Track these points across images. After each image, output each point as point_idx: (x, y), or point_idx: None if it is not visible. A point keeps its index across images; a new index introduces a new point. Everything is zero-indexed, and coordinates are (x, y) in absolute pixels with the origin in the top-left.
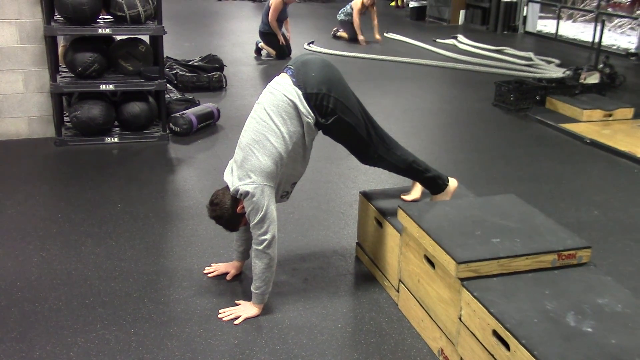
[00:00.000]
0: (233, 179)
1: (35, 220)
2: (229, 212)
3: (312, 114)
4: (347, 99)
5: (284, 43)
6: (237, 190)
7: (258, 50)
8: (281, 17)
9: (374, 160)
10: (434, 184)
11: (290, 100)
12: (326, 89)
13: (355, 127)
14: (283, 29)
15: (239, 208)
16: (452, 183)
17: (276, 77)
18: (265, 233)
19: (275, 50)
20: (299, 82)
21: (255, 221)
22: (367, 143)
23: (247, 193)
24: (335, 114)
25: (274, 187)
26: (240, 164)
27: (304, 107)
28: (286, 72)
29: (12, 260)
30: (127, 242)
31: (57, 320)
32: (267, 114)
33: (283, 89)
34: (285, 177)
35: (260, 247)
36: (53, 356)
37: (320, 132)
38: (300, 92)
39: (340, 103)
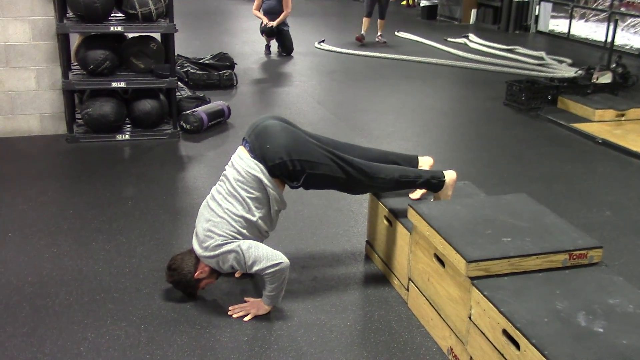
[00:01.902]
0: (199, 245)
1: (46, 217)
2: (187, 277)
3: (278, 186)
4: (310, 154)
5: (269, 24)
6: (203, 259)
7: (268, 48)
8: (265, 8)
9: (362, 191)
10: (430, 185)
11: (254, 175)
12: (286, 155)
13: (329, 175)
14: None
15: (197, 273)
16: (450, 176)
17: (238, 150)
18: (258, 263)
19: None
20: (258, 157)
21: (246, 266)
22: (348, 181)
23: (217, 256)
24: (304, 173)
25: (242, 234)
26: (205, 222)
27: (268, 180)
28: (244, 147)
29: (23, 256)
30: (137, 239)
31: (68, 315)
32: (233, 186)
33: (245, 164)
34: (253, 238)
35: (268, 273)
36: (64, 351)
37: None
38: (262, 166)
39: (305, 161)
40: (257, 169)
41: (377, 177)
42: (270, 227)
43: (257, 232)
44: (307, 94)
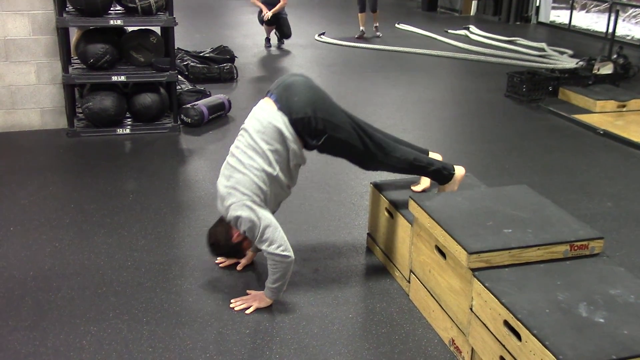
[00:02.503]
0: (221, 204)
1: (48, 211)
2: (228, 245)
3: (297, 140)
4: (334, 116)
5: (265, 14)
6: (227, 212)
7: (268, 41)
8: None
9: (374, 166)
10: (440, 176)
11: (276, 126)
12: (311, 111)
13: (348, 141)
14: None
15: (234, 238)
16: (459, 171)
17: (260, 102)
18: (271, 244)
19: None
20: (283, 108)
21: (257, 238)
22: (364, 153)
23: (236, 217)
24: (325, 134)
25: (262, 198)
26: (226, 180)
27: (289, 133)
28: (269, 97)
29: (25, 250)
30: (139, 232)
31: (70, 309)
32: (253, 139)
33: (268, 115)
34: (273, 197)
35: (275, 260)
36: (66, 345)
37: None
38: (286, 118)
39: (328, 122)
40: (279, 120)
41: (392, 155)
42: (291, 181)
43: (279, 187)
44: None
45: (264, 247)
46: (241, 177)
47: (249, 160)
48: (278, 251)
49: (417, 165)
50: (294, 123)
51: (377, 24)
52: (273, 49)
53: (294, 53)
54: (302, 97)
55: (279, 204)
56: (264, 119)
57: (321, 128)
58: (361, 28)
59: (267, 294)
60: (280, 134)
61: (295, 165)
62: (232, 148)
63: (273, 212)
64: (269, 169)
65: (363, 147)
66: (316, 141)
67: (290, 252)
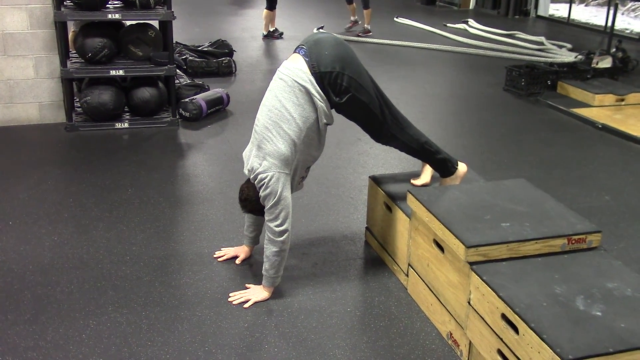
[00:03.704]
0: (251, 161)
1: (46, 205)
2: (258, 202)
3: (325, 98)
4: (361, 77)
5: None
6: (254, 177)
7: (266, 35)
8: None
9: (387, 139)
10: (444, 167)
11: (302, 85)
12: (340, 67)
13: (369, 105)
14: None
15: None
16: (462, 167)
17: (286, 61)
18: (277, 219)
19: None
20: (312, 61)
21: (269, 206)
22: (381, 121)
23: (261, 182)
24: (349, 92)
25: (290, 173)
26: (257, 148)
27: (316, 90)
28: (298, 52)
29: (24, 244)
30: (137, 227)
31: (69, 303)
32: (279, 100)
33: (293, 74)
34: (301, 162)
35: (274, 236)
36: (65, 338)
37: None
38: (311, 76)
39: (354, 81)
40: (305, 78)
41: (406, 131)
42: (320, 142)
43: (307, 152)
44: None
45: (267, 217)
46: (269, 147)
47: (275, 127)
48: (282, 229)
49: (427, 149)
50: (321, 76)
51: (366, 26)
52: (272, 43)
53: (292, 47)
54: (332, 52)
55: (308, 169)
56: (290, 77)
57: (346, 86)
58: (352, 18)
59: (265, 283)
60: (307, 92)
61: (325, 125)
62: (258, 114)
63: (303, 179)
64: (296, 133)
65: (381, 115)
66: (339, 99)
67: (288, 232)
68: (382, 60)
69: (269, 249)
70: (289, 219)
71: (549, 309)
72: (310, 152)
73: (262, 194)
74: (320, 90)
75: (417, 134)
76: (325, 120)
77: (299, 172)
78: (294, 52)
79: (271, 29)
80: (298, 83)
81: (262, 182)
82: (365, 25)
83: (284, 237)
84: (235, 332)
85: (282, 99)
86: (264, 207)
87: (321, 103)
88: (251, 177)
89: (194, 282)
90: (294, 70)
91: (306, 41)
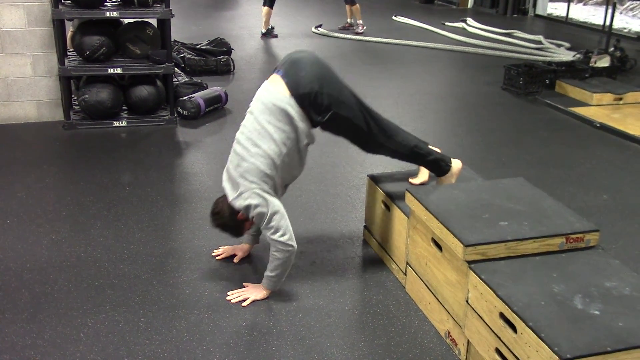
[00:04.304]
0: (229, 189)
1: (44, 204)
2: (231, 219)
3: (305, 118)
4: (341, 93)
5: None
6: (235, 199)
7: (263, 33)
8: None
9: (375, 149)
10: (438, 167)
11: (281, 108)
12: (318, 86)
13: (352, 120)
14: None
15: (239, 214)
16: (456, 164)
17: (266, 82)
18: (278, 230)
19: None
20: (291, 83)
21: (264, 225)
22: (367, 133)
23: (247, 206)
24: (330, 110)
25: (270, 185)
26: (234, 169)
27: (295, 112)
28: (277, 74)
29: (22, 242)
30: (135, 225)
31: (67, 301)
32: (259, 122)
33: (273, 96)
34: (280, 181)
35: (281, 246)
36: (63, 337)
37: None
38: (290, 99)
39: (334, 98)
40: (284, 100)
41: (394, 139)
42: (300, 164)
43: (287, 170)
44: None
45: (269, 233)
46: (248, 165)
47: (254, 147)
48: (282, 239)
49: (417, 153)
50: (300, 97)
51: (355, 20)
52: (270, 41)
53: (290, 45)
54: (309, 72)
55: (286, 187)
56: (269, 100)
57: (327, 104)
58: (348, 20)
59: (265, 284)
60: (286, 114)
61: (305, 145)
62: (238, 134)
63: (280, 196)
64: (276, 153)
65: (366, 127)
66: (321, 117)
67: (293, 242)
68: (380, 58)
69: (277, 257)
70: (288, 226)
71: (547, 307)
72: (290, 172)
73: (252, 215)
74: (300, 112)
75: (405, 140)
76: (306, 141)
77: (279, 190)
78: (273, 73)
79: (264, 31)
80: (277, 106)
81: (247, 203)
82: (358, 21)
83: (290, 243)
84: (233, 330)
85: (262, 120)
86: (237, 226)
87: (301, 124)
88: (231, 199)
89: (192, 280)
90: (273, 92)
91: (284, 62)
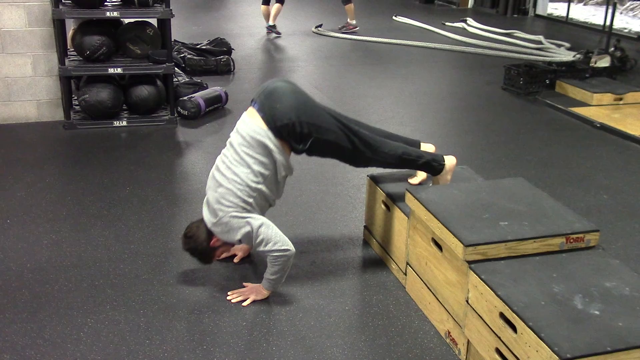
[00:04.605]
0: (207, 214)
1: (44, 203)
2: (202, 245)
3: (283, 151)
4: (319, 118)
5: None
6: (218, 234)
7: (269, 28)
8: None
9: (364, 164)
10: (431, 168)
11: (260, 141)
12: (295, 116)
13: (335, 142)
14: None
15: (212, 241)
16: (450, 161)
17: (245, 114)
18: (267, 243)
19: None
20: (267, 117)
21: (257, 241)
22: (352, 151)
23: (227, 231)
24: (311, 137)
25: (248, 210)
26: (211, 194)
27: (274, 145)
28: (253, 107)
29: (22, 242)
30: (136, 225)
31: (67, 301)
32: (238, 153)
33: (251, 129)
34: (258, 208)
35: (279, 252)
36: (63, 336)
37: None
38: (268, 132)
39: (313, 125)
40: (262, 134)
41: (380, 151)
42: (277, 194)
43: (264, 200)
44: (305, 79)
45: (260, 248)
46: (225, 191)
47: (233, 175)
48: (275, 247)
49: (406, 159)
50: (279, 130)
51: (348, 21)
52: (271, 41)
53: (291, 45)
54: (284, 103)
55: (263, 215)
56: (247, 133)
57: (307, 132)
58: (348, 21)
59: (265, 285)
60: (265, 147)
61: (283, 177)
62: (218, 161)
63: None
64: (253, 183)
65: (351, 145)
66: (303, 145)
67: (288, 245)
68: (380, 59)
69: (274, 263)
70: (277, 232)
71: (547, 307)
72: (267, 200)
73: (238, 237)
74: (278, 144)
75: (392, 150)
76: (284, 173)
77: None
78: (250, 104)
79: (271, 24)
80: (256, 139)
81: (228, 228)
82: (349, 21)
83: (284, 248)
84: (233, 330)
85: (241, 152)
86: (207, 253)
87: (280, 157)
88: (209, 225)
89: (192, 280)
90: (252, 125)
91: (259, 94)
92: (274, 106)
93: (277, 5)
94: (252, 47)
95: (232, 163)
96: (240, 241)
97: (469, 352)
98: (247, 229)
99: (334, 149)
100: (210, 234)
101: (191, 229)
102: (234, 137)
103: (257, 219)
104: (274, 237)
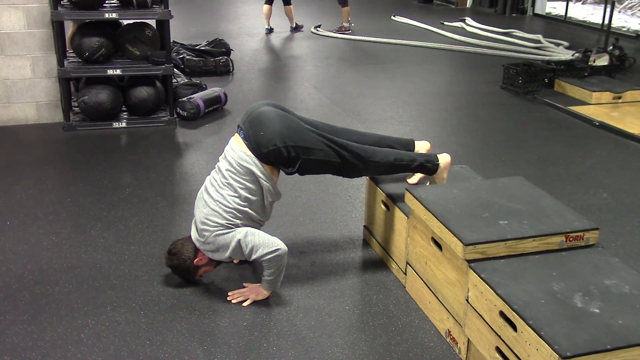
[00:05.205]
0: (194, 233)
1: (44, 205)
2: (186, 263)
3: (270, 177)
4: (304, 140)
5: None
6: (203, 250)
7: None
8: None
9: (357, 175)
10: (425, 169)
11: (247, 168)
12: (280, 141)
13: (324, 159)
14: None
15: (196, 260)
16: (444, 159)
17: (232, 140)
18: (256, 251)
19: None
20: (252, 144)
21: (247, 252)
22: (343, 165)
23: (215, 250)
24: (299, 159)
25: (236, 225)
26: (198, 214)
27: (260, 172)
28: (238, 134)
29: (22, 244)
30: (135, 226)
31: (68, 302)
32: (226, 178)
33: (238, 156)
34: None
35: (266, 259)
36: (64, 338)
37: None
38: (255, 158)
39: (299, 147)
40: (249, 161)
41: (372, 161)
42: (264, 217)
43: (251, 221)
44: (304, 79)
45: (253, 256)
46: (210, 212)
47: (220, 197)
48: (265, 251)
49: (399, 165)
50: (265, 156)
51: (344, 24)
52: (269, 41)
53: (290, 46)
54: (268, 130)
55: None
56: (234, 160)
57: (294, 155)
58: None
59: (264, 286)
60: (252, 173)
61: (270, 203)
62: (207, 182)
63: None
64: (240, 207)
65: (341, 160)
66: (292, 168)
67: (276, 245)
68: (379, 59)
69: (268, 265)
70: (262, 236)
71: (546, 306)
72: (254, 221)
73: (228, 255)
74: (264, 171)
75: (384, 157)
76: (270, 199)
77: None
78: (236, 132)
79: (293, 26)
80: (243, 166)
81: (216, 247)
82: (344, 24)
83: (273, 249)
84: (233, 330)
85: (228, 177)
86: (190, 271)
87: (267, 183)
88: (198, 245)
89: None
90: (239, 152)
91: (243, 121)
92: (259, 133)
93: (288, 7)
94: (251, 47)
95: (219, 186)
96: (230, 258)
97: (469, 351)
98: (234, 243)
99: (323, 166)
100: (196, 252)
101: (176, 245)
102: (222, 163)
103: (240, 231)
104: (261, 241)
